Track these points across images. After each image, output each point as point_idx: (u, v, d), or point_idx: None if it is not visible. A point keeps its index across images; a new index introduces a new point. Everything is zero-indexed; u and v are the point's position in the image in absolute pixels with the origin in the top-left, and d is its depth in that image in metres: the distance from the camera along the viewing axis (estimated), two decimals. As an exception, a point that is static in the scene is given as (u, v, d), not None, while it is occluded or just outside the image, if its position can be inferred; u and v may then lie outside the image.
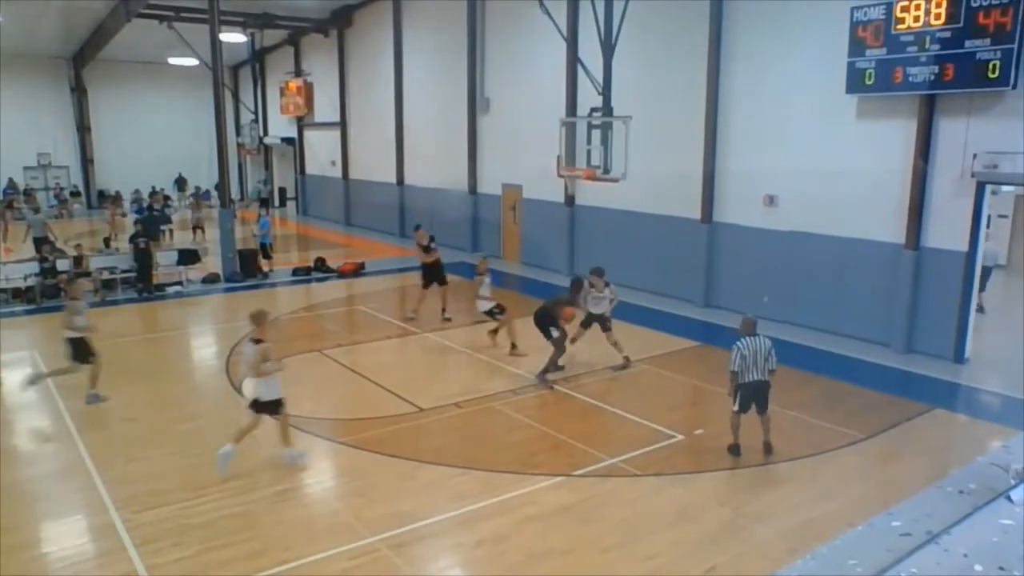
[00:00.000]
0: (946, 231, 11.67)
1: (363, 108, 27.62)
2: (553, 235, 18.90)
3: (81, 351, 9.94)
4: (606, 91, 13.30)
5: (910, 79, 11.43)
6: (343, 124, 28.76)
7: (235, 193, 33.65)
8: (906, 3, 11.35)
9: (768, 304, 13.50)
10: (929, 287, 11.92)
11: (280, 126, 34.10)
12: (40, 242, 18.61)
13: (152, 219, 22.10)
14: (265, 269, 19.11)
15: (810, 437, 8.88)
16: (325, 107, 30.05)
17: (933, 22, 11.05)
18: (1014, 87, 10.38)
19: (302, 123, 32.31)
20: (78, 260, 16.78)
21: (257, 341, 7.97)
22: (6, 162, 32.09)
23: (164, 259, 18.18)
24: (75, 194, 34.19)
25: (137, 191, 32.60)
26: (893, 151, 12.10)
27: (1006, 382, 10.80)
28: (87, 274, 16.52)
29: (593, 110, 13.39)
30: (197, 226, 24.98)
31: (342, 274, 19.24)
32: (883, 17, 11.65)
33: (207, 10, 18.31)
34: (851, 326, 12.95)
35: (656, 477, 7.89)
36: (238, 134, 34.91)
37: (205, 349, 13.63)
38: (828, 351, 12.37)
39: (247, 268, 18.73)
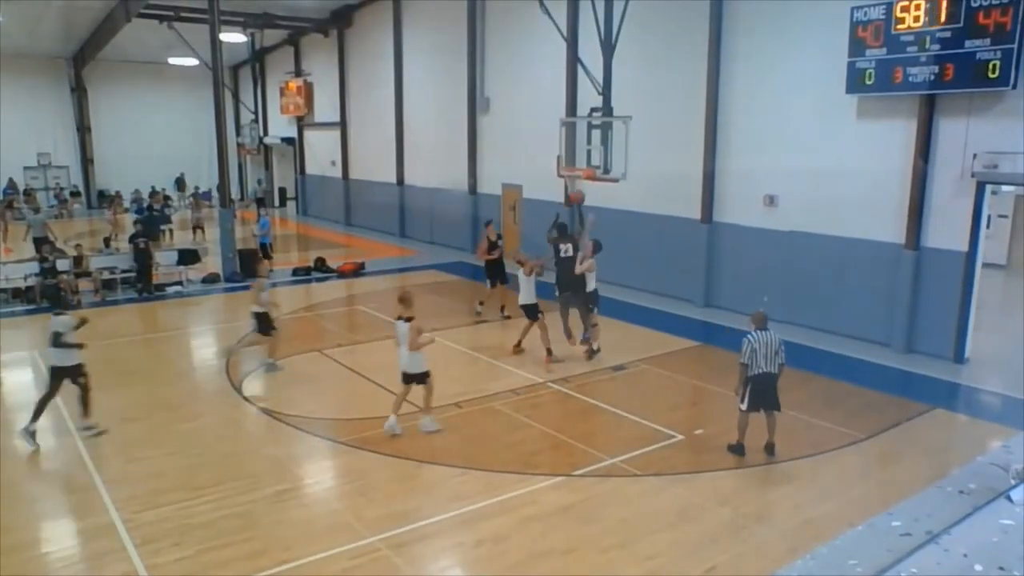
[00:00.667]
0: (946, 231, 11.67)
1: (363, 108, 27.62)
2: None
3: (265, 324, 11.13)
4: (606, 91, 13.29)
5: (910, 79, 11.43)
6: (343, 124, 28.76)
7: (235, 193, 33.67)
8: (906, 3, 11.35)
9: (768, 304, 13.45)
10: (929, 287, 11.91)
11: (280, 126, 34.10)
12: (40, 242, 18.61)
13: (152, 219, 22.11)
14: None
15: (810, 437, 8.88)
16: (325, 107, 30.05)
17: (933, 22, 11.05)
18: (1014, 87, 10.38)
19: (302, 123, 32.31)
20: (78, 260, 16.78)
21: (408, 319, 8.83)
22: (6, 162, 32.11)
23: (164, 259, 18.19)
24: (75, 194, 34.22)
25: (137, 191, 32.60)
26: (893, 151, 12.10)
27: (1006, 382, 10.80)
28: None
29: (593, 110, 13.39)
30: (197, 226, 24.98)
31: (342, 274, 19.24)
32: (883, 17, 11.65)
33: (207, 10, 18.32)
34: (851, 326, 12.95)
35: (656, 477, 7.89)
36: (238, 134, 34.91)
37: (205, 349, 13.63)
38: (828, 351, 12.37)
39: (247, 268, 18.72)
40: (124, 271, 17.10)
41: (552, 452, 8.52)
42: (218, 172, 19.72)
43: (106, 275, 16.80)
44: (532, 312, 11.84)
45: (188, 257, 18.47)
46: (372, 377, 11.09)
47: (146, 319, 15.33)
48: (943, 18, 10.95)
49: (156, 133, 35.27)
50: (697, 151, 15.01)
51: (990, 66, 10.48)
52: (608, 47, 13.31)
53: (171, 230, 24.57)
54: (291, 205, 34.97)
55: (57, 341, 8.88)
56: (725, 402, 9.12)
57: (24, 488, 7.69)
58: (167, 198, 30.23)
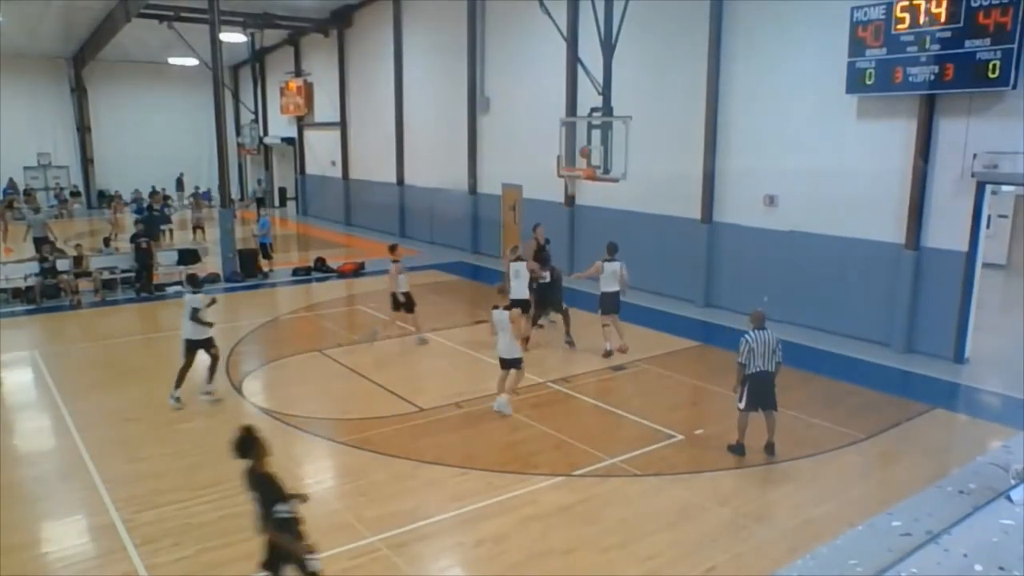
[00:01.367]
0: (946, 231, 11.67)
1: (363, 108, 27.62)
2: (553, 235, 18.81)
3: (407, 304, 12.64)
4: (606, 91, 13.30)
5: (910, 79, 11.43)
6: (343, 124, 28.76)
7: (235, 193, 33.67)
8: (906, 3, 11.35)
9: (768, 304, 13.46)
10: (929, 287, 11.91)
11: (280, 126, 34.11)
12: (40, 242, 18.60)
13: (153, 219, 22.12)
14: (265, 269, 19.11)
15: (810, 437, 8.88)
16: (325, 107, 30.06)
17: (933, 22, 11.05)
18: (1014, 87, 10.38)
19: (302, 123, 32.32)
20: (78, 260, 16.78)
21: (506, 308, 9.64)
22: (6, 162, 32.12)
23: (164, 259, 18.19)
24: (75, 194, 34.22)
25: (137, 191, 32.61)
26: (893, 151, 12.10)
27: (1006, 382, 10.80)
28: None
29: (593, 110, 13.40)
30: (197, 226, 24.99)
31: (342, 274, 19.24)
32: (883, 17, 11.65)
33: (207, 10, 18.31)
34: (851, 326, 12.95)
35: (656, 477, 7.89)
36: (238, 134, 34.92)
37: (205, 349, 13.60)
38: (828, 351, 12.37)
39: (247, 268, 18.74)
40: (124, 271, 17.10)
41: (552, 452, 8.52)
42: (218, 172, 19.72)
43: (106, 275, 16.80)
44: (526, 306, 12.13)
45: (188, 257, 18.46)
46: (372, 377, 11.09)
47: (146, 319, 15.33)
48: (943, 18, 10.95)
49: (156, 133, 35.29)
50: (697, 151, 15.01)
51: (990, 66, 10.48)
52: (608, 47, 13.32)
53: (171, 230, 24.57)
54: (291, 205, 34.99)
55: (195, 316, 9.98)
56: (725, 402, 9.12)
57: (24, 488, 7.69)
58: (166, 198, 30.24)
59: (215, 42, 18.63)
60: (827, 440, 8.79)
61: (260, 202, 32.14)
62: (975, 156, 11.07)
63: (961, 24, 10.75)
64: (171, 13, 24.72)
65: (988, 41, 10.48)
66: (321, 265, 19.67)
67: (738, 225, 14.71)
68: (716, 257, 15.16)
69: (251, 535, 6.65)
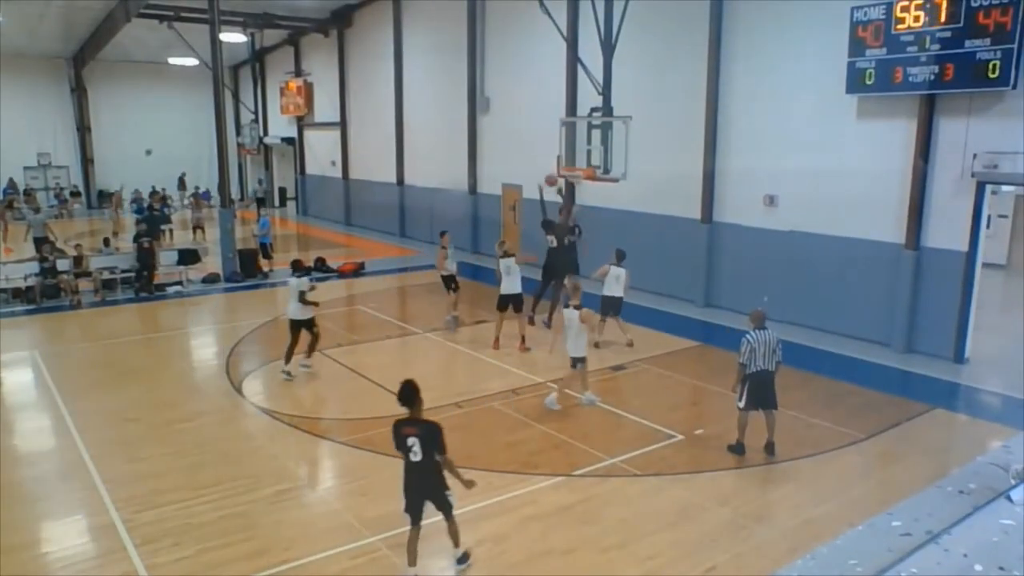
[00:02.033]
0: (946, 231, 11.67)
1: (363, 108, 27.62)
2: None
3: (450, 283, 13.80)
4: (606, 91, 13.30)
5: (910, 79, 11.43)
6: (343, 124, 28.76)
7: (235, 193, 33.67)
8: (906, 3, 11.35)
9: (768, 304, 13.47)
10: (929, 287, 11.91)
11: (280, 126, 34.10)
12: (40, 242, 18.61)
13: (154, 219, 22.13)
14: (265, 269, 19.12)
15: (810, 437, 8.88)
16: (325, 107, 30.05)
17: (933, 22, 11.05)
18: (1014, 87, 10.38)
19: (302, 123, 32.31)
20: (78, 260, 16.78)
21: (576, 307, 9.59)
22: (6, 162, 32.11)
23: (164, 259, 18.19)
24: (75, 194, 34.21)
25: (137, 191, 32.58)
26: (893, 151, 12.10)
27: (1006, 382, 10.80)
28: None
29: (593, 110, 13.40)
30: (197, 226, 24.99)
31: (342, 274, 19.24)
32: (883, 17, 11.65)
33: (207, 10, 18.32)
34: (851, 326, 12.95)
35: (656, 477, 7.90)
36: (238, 134, 34.91)
37: (205, 349, 13.63)
38: (828, 351, 12.37)
39: (247, 268, 18.74)
40: (124, 271, 17.10)
41: (552, 452, 8.52)
42: (218, 172, 19.72)
43: (106, 275, 16.79)
44: (519, 302, 12.52)
45: (188, 257, 18.47)
46: (372, 377, 11.09)
47: (146, 319, 15.33)
48: (943, 18, 10.94)
49: (156, 133, 35.29)
50: (697, 151, 15.00)
51: (990, 66, 10.48)
52: (608, 47, 13.32)
53: (171, 230, 24.57)
54: (291, 205, 34.98)
55: (302, 298, 10.96)
56: (725, 402, 9.12)
57: (24, 488, 7.69)
58: (165, 198, 30.23)
59: (215, 42, 18.63)
60: (827, 440, 8.79)
61: (261, 202, 32.14)
62: (975, 156, 11.07)
63: (961, 24, 10.75)
64: (171, 13, 24.72)
65: (988, 41, 10.47)
66: (321, 265, 19.67)
67: (738, 225, 14.70)
68: (716, 257, 15.16)
69: (251, 535, 6.71)
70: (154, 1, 23.41)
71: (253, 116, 34.74)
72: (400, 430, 5.89)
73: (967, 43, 10.70)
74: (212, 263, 18.92)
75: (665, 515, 7.11)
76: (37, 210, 26.68)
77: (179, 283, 17.82)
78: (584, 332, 9.80)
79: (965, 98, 11.16)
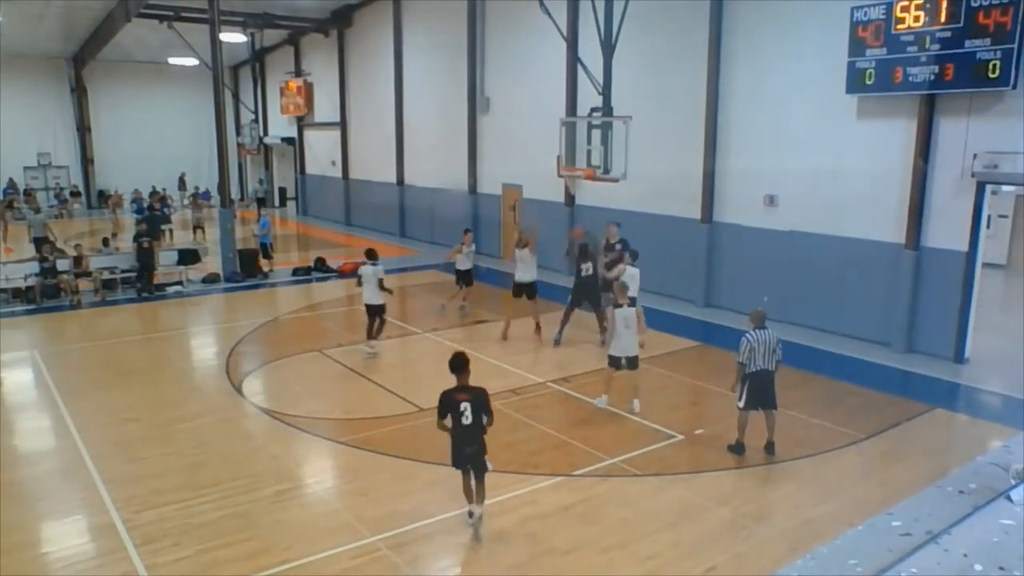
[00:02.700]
0: (946, 231, 11.67)
1: (363, 108, 27.62)
2: (553, 235, 18.89)
3: (462, 278, 14.62)
4: (606, 91, 13.30)
5: (910, 79, 11.43)
6: (343, 124, 28.76)
7: (235, 193, 33.67)
8: (906, 3, 11.35)
9: (768, 304, 13.47)
10: (929, 287, 11.91)
11: (280, 126, 34.10)
12: (40, 242, 18.60)
13: (154, 219, 22.14)
14: (265, 269, 19.12)
15: (810, 437, 8.88)
16: (325, 107, 30.05)
17: (933, 22, 11.05)
18: (1014, 87, 10.38)
19: (302, 123, 32.32)
20: (78, 260, 16.78)
21: (618, 306, 9.44)
22: (6, 162, 32.11)
23: (164, 259, 18.19)
24: (75, 194, 34.20)
25: (137, 191, 32.60)
26: (893, 151, 12.10)
27: (1006, 382, 10.80)
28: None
29: (593, 110, 13.40)
30: (197, 226, 24.98)
31: (342, 274, 19.23)
32: (883, 17, 11.65)
33: (207, 10, 18.32)
34: (851, 326, 12.95)
35: (656, 477, 7.90)
36: (238, 134, 34.91)
37: (205, 349, 13.63)
38: (828, 351, 12.37)
39: (247, 268, 18.74)
40: (124, 271, 17.10)
41: (552, 452, 8.52)
42: (218, 172, 19.72)
43: (106, 275, 16.79)
44: (532, 290, 12.80)
45: (188, 257, 18.47)
46: (372, 377, 11.10)
47: (146, 319, 15.33)
48: (943, 18, 10.95)
49: (156, 133, 35.27)
50: (697, 151, 15.00)
51: (990, 66, 10.48)
52: (608, 47, 13.32)
53: (171, 230, 24.58)
54: (291, 205, 34.98)
55: (381, 285, 12.00)
56: (725, 402, 9.12)
57: (24, 488, 7.69)
58: (165, 198, 30.24)
59: (215, 42, 18.63)
60: (827, 440, 8.79)
61: (261, 202, 32.14)
62: (975, 156, 11.07)
63: (961, 24, 10.75)
64: (171, 13, 24.72)
65: (988, 41, 10.47)
66: (321, 265, 19.67)
67: (738, 225, 14.70)
68: (716, 257, 15.16)
69: (251, 535, 6.70)
70: (154, 1, 23.41)
71: (253, 116, 34.75)
72: (453, 396, 6.58)
73: (967, 43, 10.70)
74: (212, 263, 18.92)
75: (665, 515, 7.11)
76: (37, 210, 26.67)
77: (179, 283, 17.82)
78: (636, 329, 9.74)
79: (965, 98, 11.16)
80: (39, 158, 33.90)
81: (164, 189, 32.21)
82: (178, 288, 17.55)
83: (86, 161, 34.64)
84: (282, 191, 36.18)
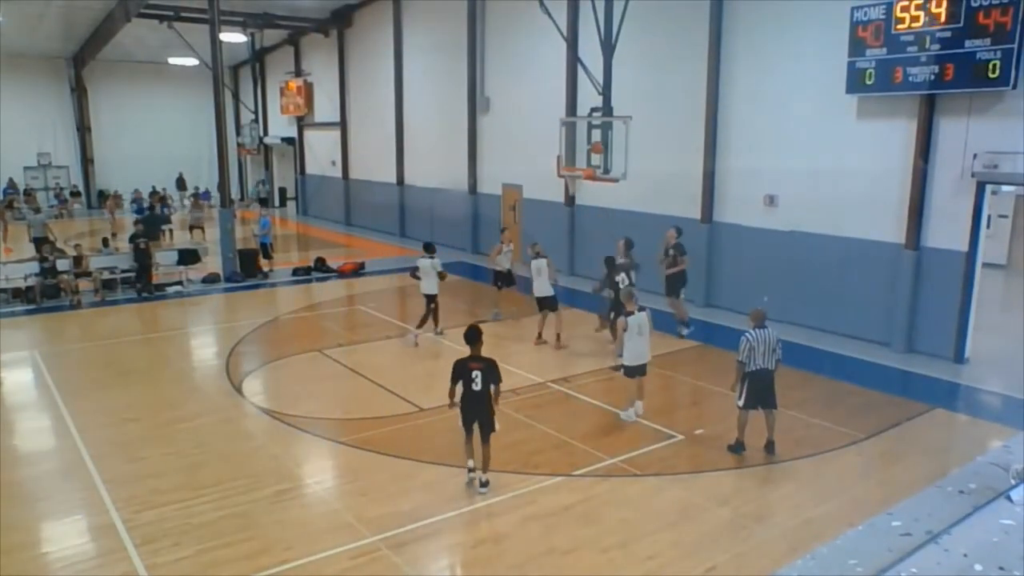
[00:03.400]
0: (946, 231, 11.67)
1: (363, 108, 27.62)
2: (553, 235, 18.91)
3: (501, 280, 14.10)
4: (606, 91, 13.30)
5: (910, 79, 11.43)
6: (343, 124, 28.76)
7: (235, 193, 33.67)
8: (906, 3, 11.35)
9: (768, 304, 13.46)
10: (929, 287, 11.91)
11: (280, 126, 34.10)
12: (40, 242, 18.61)
13: (152, 219, 22.12)
14: (265, 269, 19.11)
15: (810, 437, 8.88)
16: (325, 107, 30.05)
17: (933, 22, 11.05)
18: (1014, 87, 10.38)
19: (302, 123, 32.32)
20: (78, 260, 16.78)
21: (629, 313, 9.31)
22: (6, 162, 32.11)
23: (164, 259, 18.19)
24: (75, 194, 34.20)
25: (137, 191, 32.63)
26: (893, 151, 12.10)
27: (1006, 382, 10.80)
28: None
29: (593, 110, 13.40)
30: (195, 226, 24.98)
31: (342, 274, 19.24)
32: (883, 17, 11.65)
33: (207, 10, 18.32)
34: (851, 326, 12.95)
35: (656, 477, 7.90)
36: (238, 134, 34.90)
37: (205, 349, 13.63)
38: (828, 351, 12.37)
39: (247, 268, 18.73)
40: (124, 271, 17.10)
41: (552, 452, 8.52)
42: (218, 172, 19.72)
43: (106, 275, 16.80)
44: (552, 303, 12.59)
45: (188, 257, 18.47)
46: (372, 377, 11.10)
47: (146, 319, 15.33)
48: (943, 18, 10.95)
49: (156, 133, 35.26)
50: (697, 151, 15.00)
51: (990, 66, 10.48)
52: (608, 47, 13.32)
53: (171, 230, 24.59)
54: (291, 205, 34.98)
55: (440, 276, 12.65)
56: (725, 402, 9.12)
57: (24, 488, 7.69)
58: (163, 198, 30.26)
59: (215, 42, 18.63)
60: (827, 440, 8.79)
61: (263, 202, 32.15)
62: (975, 156, 11.07)
63: (961, 24, 10.75)
64: (171, 13, 24.73)
65: (988, 41, 10.47)
66: (321, 265, 19.67)
67: (738, 225, 14.70)
68: (716, 257, 15.16)
69: (251, 535, 6.70)
70: (154, 1, 23.41)
71: (253, 116, 34.74)
72: (466, 364, 7.35)
73: (967, 43, 10.70)
74: (212, 263, 18.92)
75: (665, 515, 7.11)
76: (37, 210, 26.69)
77: (179, 283, 17.82)
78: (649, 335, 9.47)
79: (965, 98, 11.15)
80: (39, 158, 33.90)
81: (164, 189, 32.18)
82: (178, 288, 17.55)
83: (86, 161, 34.64)
84: (282, 191, 36.18)
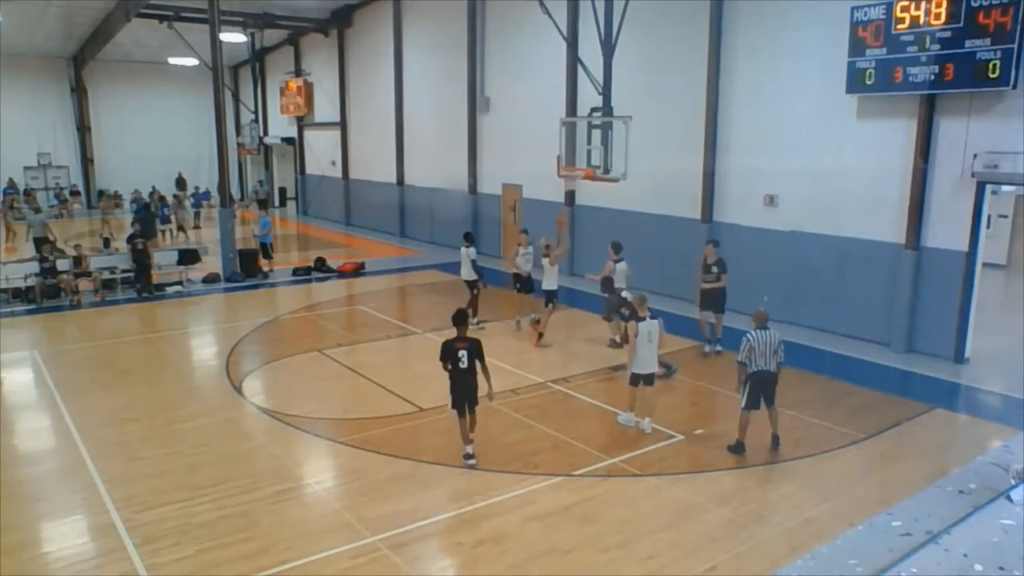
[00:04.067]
0: (946, 231, 11.67)
1: (363, 108, 27.62)
2: (553, 235, 18.91)
3: (522, 284, 13.76)
4: (606, 91, 13.29)
5: (910, 79, 11.43)
6: (343, 124, 28.76)
7: (235, 193, 33.66)
8: (906, 3, 11.35)
9: (768, 303, 13.44)
10: (929, 287, 11.91)
11: (280, 126, 34.10)
12: (40, 242, 18.60)
13: (151, 219, 22.11)
14: (265, 269, 19.11)
15: (810, 437, 8.88)
16: (325, 107, 30.05)
17: (933, 22, 11.05)
18: (1014, 87, 10.38)
19: (302, 123, 32.32)
20: (78, 260, 16.78)
21: (640, 319, 9.25)
22: (6, 162, 32.10)
23: (164, 259, 18.19)
24: (75, 194, 34.19)
25: (136, 191, 32.59)
26: (893, 151, 12.10)
27: (1006, 382, 10.80)
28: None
29: (593, 110, 13.38)
30: (181, 227, 24.98)
31: (342, 274, 19.24)
32: (883, 17, 11.65)
33: (207, 10, 18.31)
34: (851, 326, 12.95)
35: (656, 477, 7.90)
36: (238, 134, 34.89)
37: (205, 349, 13.63)
38: (828, 351, 12.37)
39: (247, 268, 18.74)
40: (124, 271, 17.10)
41: (552, 452, 8.52)
42: (218, 172, 19.72)
43: (106, 275, 16.80)
44: (552, 296, 12.76)
45: (188, 257, 18.47)
46: (372, 377, 11.09)
47: (146, 319, 15.32)
48: (943, 18, 10.95)
49: (156, 133, 35.26)
50: (697, 151, 15.00)
51: (990, 66, 10.48)
52: (608, 47, 13.30)
53: (171, 230, 24.59)
54: (291, 205, 34.98)
55: (475, 264, 13.57)
56: (725, 402, 9.12)
57: (24, 488, 7.69)
58: (163, 198, 30.21)
59: (215, 42, 18.63)
60: (827, 440, 8.79)
61: (263, 204, 32.14)
62: (975, 156, 11.07)
63: (961, 24, 10.75)
64: (171, 13, 24.73)
65: (988, 41, 10.47)
66: (321, 265, 19.67)
67: (738, 225, 14.70)
68: (716, 257, 15.13)
69: (251, 535, 6.70)
70: (154, 1, 23.42)
71: (253, 116, 34.74)
72: (452, 345, 7.89)
73: (967, 43, 10.70)
74: (212, 263, 18.92)
75: (665, 515, 7.11)
76: (37, 210, 26.63)
77: (179, 283, 17.82)
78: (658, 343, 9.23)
79: (965, 98, 11.15)
80: (39, 158, 33.91)
81: (155, 188, 32.10)
82: (178, 288, 17.55)
83: (86, 161, 34.65)
84: (282, 191, 36.18)
